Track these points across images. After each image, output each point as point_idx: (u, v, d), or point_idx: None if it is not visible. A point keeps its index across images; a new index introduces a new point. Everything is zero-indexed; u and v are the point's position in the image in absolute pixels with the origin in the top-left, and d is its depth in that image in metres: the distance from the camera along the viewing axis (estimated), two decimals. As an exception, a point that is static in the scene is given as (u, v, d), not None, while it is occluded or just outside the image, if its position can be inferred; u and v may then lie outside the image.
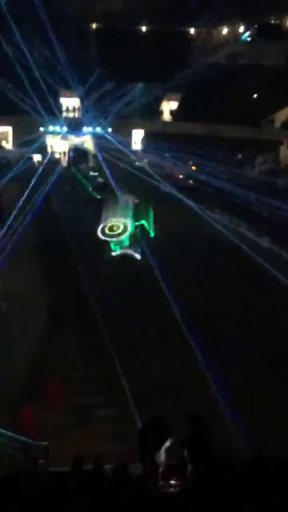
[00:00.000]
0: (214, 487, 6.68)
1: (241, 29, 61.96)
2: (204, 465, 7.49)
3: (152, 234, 28.76)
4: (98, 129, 53.87)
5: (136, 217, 28.88)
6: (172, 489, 8.51)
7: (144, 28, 62.98)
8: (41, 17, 48.26)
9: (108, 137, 52.12)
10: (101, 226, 27.72)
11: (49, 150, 52.37)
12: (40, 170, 46.11)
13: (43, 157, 50.22)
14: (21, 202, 32.91)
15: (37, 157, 49.35)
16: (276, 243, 28.74)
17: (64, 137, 53.24)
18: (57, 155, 52.36)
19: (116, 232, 27.67)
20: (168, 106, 59.98)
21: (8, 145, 55.05)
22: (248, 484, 6.75)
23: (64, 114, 56.94)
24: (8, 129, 54.99)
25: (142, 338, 19.09)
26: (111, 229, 27.75)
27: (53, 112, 52.72)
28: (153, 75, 55.89)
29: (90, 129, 53.94)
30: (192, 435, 8.04)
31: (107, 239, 27.59)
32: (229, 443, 9.97)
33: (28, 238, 28.45)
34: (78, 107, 57.26)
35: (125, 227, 27.86)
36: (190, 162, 48.60)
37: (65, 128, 53.50)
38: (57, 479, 7.83)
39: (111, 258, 26.95)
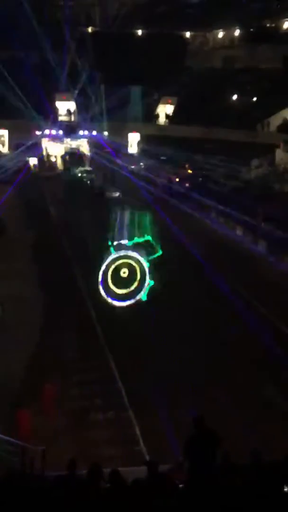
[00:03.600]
0: (209, 493, 6.50)
1: (237, 32, 62.03)
2: (200, 473, 7.01)
3: (159, 252, 19.20)
4: (94, 133, 53.89)
5: (137, 231, 19.57)
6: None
7: (140, 32, 63.06)
8: (38, 21, 48.33)
9: (103, 140, 52.23)
10: (101, 274, 17.68)
11: (44, 153, 52.31)
12: (36, 174, 46.34)
13: (39, 160, 50.20)
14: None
15: (33, 161, 49.29)
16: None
17: (60, 141, 53.18)
18: (52, 159, 52.32)
19: (131, 289, 17.69)
20: (164, 109, 60.05)
21: (4, 149, 54.96)
22: (245, 489, 6.67)
23: (60, 117, 56.92)
24: (4, 133, 54.91)
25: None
26: (119, 279, 17.52)
27: (49, 116, 52.70)
28: (149, 78, 56.02)
29: (86, 132, 53.92)
30: (193, 441, 7.47)
31: (116, 302, 17.65)
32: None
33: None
34: (74, 111, 57.24)
35: (143, 272, 18.02)
36: (187, 165, 48.68)
37: (61, 132, 53.46)
38: (53, 483, 7.77)
39: None
